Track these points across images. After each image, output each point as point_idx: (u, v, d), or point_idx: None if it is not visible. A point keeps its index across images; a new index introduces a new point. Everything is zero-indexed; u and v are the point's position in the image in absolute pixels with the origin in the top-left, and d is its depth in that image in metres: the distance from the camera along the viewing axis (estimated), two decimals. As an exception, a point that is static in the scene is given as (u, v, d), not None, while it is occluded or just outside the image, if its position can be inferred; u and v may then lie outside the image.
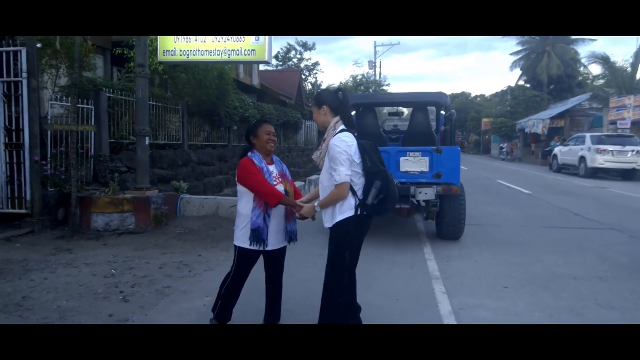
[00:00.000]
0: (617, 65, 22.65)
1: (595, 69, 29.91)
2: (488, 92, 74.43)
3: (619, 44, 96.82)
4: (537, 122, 26.94)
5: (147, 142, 6.59)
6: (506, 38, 39.82)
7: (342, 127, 2.69)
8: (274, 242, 2.84)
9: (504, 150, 33.25)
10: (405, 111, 9.17)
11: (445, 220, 5.83)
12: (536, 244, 5.94)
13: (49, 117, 6.38)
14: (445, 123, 6.66)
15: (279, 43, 60.78)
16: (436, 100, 6.20)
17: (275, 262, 3.00)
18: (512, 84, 39.07)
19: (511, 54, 36.30)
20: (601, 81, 29.79)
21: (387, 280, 4.39)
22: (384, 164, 2.74)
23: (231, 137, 11.65)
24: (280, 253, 2.98)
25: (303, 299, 3.72)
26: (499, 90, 48.51)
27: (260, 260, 3.01)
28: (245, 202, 2.82)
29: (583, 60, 30.86)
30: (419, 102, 6.25)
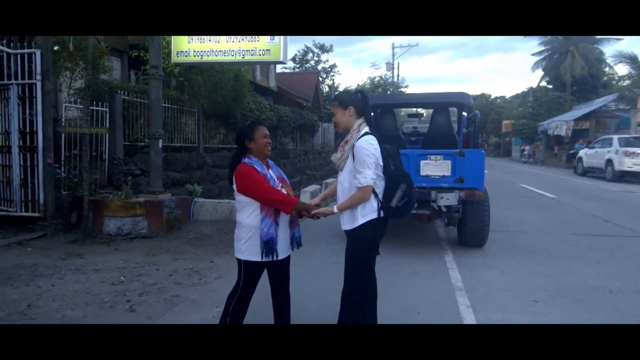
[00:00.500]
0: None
1: (622, 69, 28.95)
2: (509, 93, 72.87)
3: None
4: (560, 124, 26.17)
5: (160, 145, 6.49)
6: (527, 38, 39.00)
7: (367, 129, 2.63)
8: (282, 250, 2.68)
9: (526, 153, 32.45)
10: (425, 113, 8.86)
11: (468, 227, 5.55)
12: (566, 252, 5.59)
13: (62, 120, 6.32)
14: (468, 125, 6.36)
15: (296, 45, 60.97)
16: (458, 100, 5.93)
17: (282, 271, 2.82)
18: (534, 85, 38.17)
19: (533, 55, 35.44)
20: (627, 82, 28.76)
21: (407, 291, 4.15)
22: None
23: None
24: (287, 261, 2.82)
25: (317, 311, 3.51)
26: (519, 91, 47.40)
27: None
28: (250, 212, 2.59)
29: (609, 60, 29.87)
30: (441, 103, 5.97)
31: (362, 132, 2.61)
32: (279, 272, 2.80)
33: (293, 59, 33.25)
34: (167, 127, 8.19)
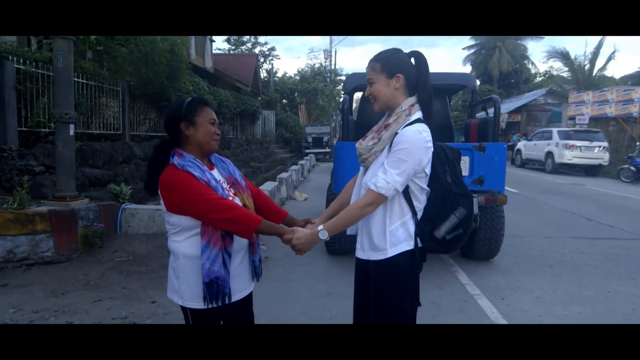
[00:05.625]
0: (576, 60, 22.87)
1: (543, 67, 30.60)
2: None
3: (568, 39, 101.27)
4: (494, 117, 26.89)
5: (71, 131, 4.71)
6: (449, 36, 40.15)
7: (419, 115, 1.73)
8: (239, 289, 1.79)
9: (458, 144, 33.30)
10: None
11: (480, 238, 4.55)
12: (585, 264, 4.81)
13: None
14: (472, 112, 5.39)
15: (227, 29, 58.02)
16: (462, 83, 4.93)
17: (242, 314, 1.89)
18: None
19: (464, 49, 36.50)
20: (540, 79, 30.36)
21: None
22: None
23: (183, 126, 9.74)
24: (248, 300, 1.91)
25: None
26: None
27: None
28: (185, 238, 1.68)
29: (541, 56, 31.80)
30: (442, 86, 4.89)
31: (414, 118, 1.71)
32: (238, 317, 1.87)
33: (228, 40, 30.98)
34: (82, 109, 6.31)
